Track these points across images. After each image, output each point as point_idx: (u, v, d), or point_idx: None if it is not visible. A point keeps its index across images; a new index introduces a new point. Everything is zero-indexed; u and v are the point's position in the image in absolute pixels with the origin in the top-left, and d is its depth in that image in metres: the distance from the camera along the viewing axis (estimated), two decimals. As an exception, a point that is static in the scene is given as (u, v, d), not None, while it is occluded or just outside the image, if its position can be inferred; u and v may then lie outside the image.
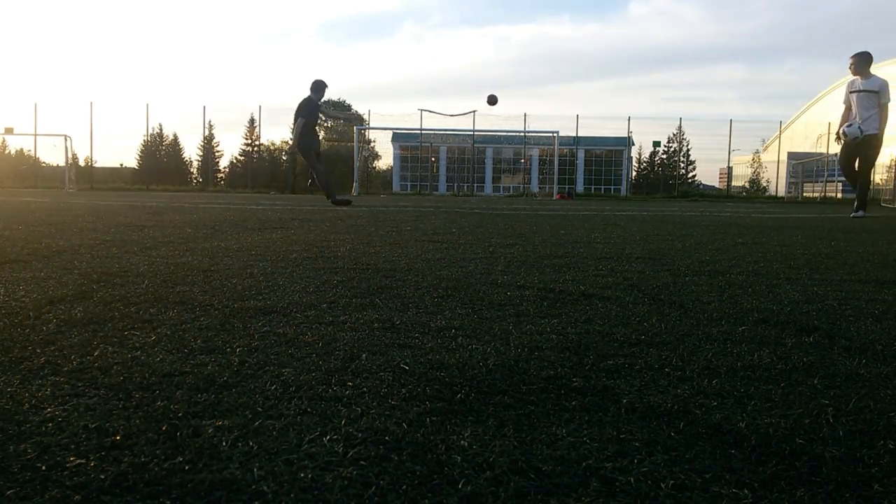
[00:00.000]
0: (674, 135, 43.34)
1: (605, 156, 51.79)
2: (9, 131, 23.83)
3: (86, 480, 0.70)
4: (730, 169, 34.33)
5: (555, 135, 25.03)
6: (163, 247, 3.02)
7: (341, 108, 52.26)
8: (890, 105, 8.02)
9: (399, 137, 43.06)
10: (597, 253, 3.07)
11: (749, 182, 37.73)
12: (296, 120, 9.36)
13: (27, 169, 31.78)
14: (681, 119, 43.20)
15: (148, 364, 1.12)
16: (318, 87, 9.52)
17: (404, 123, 29.54)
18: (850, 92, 8.28)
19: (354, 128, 24.90)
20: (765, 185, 36.02)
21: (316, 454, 0.78)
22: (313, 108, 9.42)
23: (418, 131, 29.35)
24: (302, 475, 0.72)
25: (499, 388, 1.03)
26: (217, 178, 37.02)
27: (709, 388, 1.05)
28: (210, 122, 37.94)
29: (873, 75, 8.18)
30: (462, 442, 0.82)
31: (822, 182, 28.58)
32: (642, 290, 2.01)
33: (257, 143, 37.84)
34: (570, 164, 41.21)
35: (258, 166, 34.17)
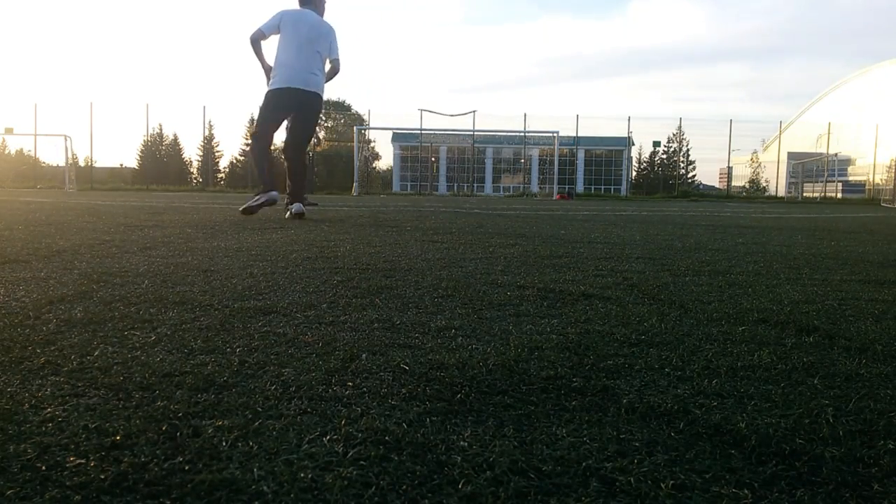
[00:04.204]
0: (674, 135, 43.40)
1: (605, 156, 51.86)
2: (9, 131, 23.89)
3: (86, 480, 0.70)
4: (730, 169, 34.35)
5: (555, 135, 25.06)
6: (163, 247, 3.02)
7: (341, 108, 52.30)
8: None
9: (399, 137, 43.14)
10: (597, 253, 3.07)
11: (749, 182, 37.76)
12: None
13: (27, 169, 31.82)
14: (681, 119, 43.26)
15: (148, 364, 1.12)
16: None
17: (404, 123, 29.59)
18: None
19: (354, 128, 24.90)
20: (764, 185, 36.05)
21: (316, 454, 0.78)
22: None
23: (418, 131, 29.36)
24: (302, 475, 0.72)
25: (499, 388, 1.03)
26: (217, 178, 37.04)
27: (709, 388, 1.05)
28: (210, 122, 38.09)
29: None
30: (462, 442, 0.82)
31: (822, 182, 28.58)
32: (642, 290, 2.01)
33: (257, 143, 37.72)
34: (570, 164, 41.25)
35: (258, 166, 34.05)
